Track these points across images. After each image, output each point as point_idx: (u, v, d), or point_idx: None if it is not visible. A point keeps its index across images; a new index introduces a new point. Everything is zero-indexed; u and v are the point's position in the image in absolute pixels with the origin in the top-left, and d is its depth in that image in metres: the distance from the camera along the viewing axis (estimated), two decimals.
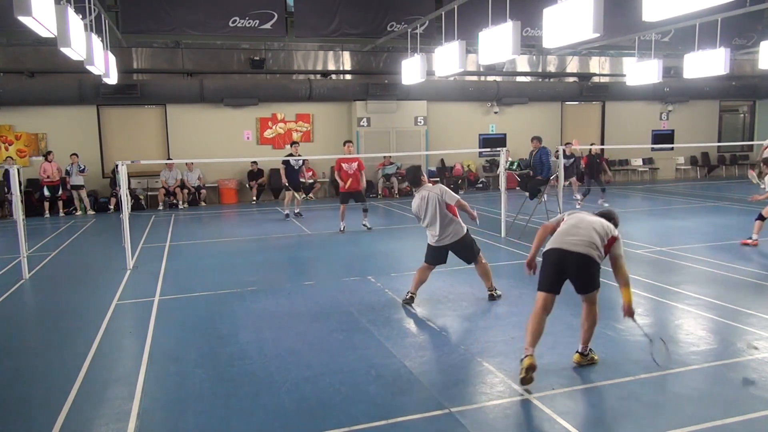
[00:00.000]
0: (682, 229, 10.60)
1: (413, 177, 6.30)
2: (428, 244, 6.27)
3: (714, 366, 4.45)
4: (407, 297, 6.25)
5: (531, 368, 4.08)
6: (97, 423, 3.83)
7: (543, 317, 4.36)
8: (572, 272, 4.39)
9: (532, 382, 4.10)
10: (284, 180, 12.59)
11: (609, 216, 4.67)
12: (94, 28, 9.87)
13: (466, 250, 6.21)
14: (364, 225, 11.15)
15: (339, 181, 11.18)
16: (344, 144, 11.42)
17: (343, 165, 11.06)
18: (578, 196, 14.53)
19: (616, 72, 19.91)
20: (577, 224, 4.49)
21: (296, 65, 17.32)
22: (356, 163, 11.09)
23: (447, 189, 6.13)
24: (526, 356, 4.14)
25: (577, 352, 4.54)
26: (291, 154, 12.32)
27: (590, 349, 4.56)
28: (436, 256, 6.23)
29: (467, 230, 6.20)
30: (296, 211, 13.03)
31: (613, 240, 4.41)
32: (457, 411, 3.82)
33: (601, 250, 4.35)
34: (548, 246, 4.52)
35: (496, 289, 6.38)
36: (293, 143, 12.88)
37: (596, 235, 4.37)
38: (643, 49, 15.99)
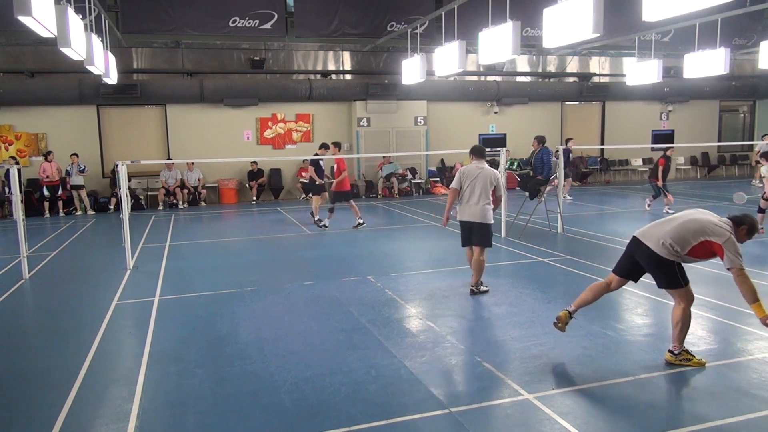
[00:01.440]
0: None
1: (481, 150, 6.74)
2: (461, 223, 6.59)
3: (714, 366, 4.45)
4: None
5: (561, 319, 4.75)
6: (97, 423, 3.83)
7: (599, 289, 4.71)
8: (645, 264, 4.48)
9: (562, 330, 4.82)
10: (318, 181, 11.90)
11: (735, 221, 4.25)
12: (94, 28, 9.87)
13: (486, 236, 6.49)
14: (324, 222, 11.34)
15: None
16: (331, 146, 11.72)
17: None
18: (569, 197, 14.55)
19: (616, 72, 19.91)
20: (675, 218, 4.43)
21: (296, 65, 17.32)
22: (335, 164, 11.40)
23: (501, 179, 6.67)
24: (563, 310, 4.80)
25: (668, 350, 4.52)
26: (317, 154, 11.92)
27: (685, 350, 4.46)
28: (467, 236, 6.56)
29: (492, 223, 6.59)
30: (317, 219, 11.81)
31: (710, 245, 4.16)
32: (457, 411, 3.82)
33: (679, 250, 4.24)
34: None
35: (480, 286, 6.56)
36: (323, 145, 12.04)
37: (681, 236, 4.24)
38: (643, 49, 16.00)
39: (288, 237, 10.80)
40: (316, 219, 11.80)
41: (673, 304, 4.50)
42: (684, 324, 4.42)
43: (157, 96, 15.83)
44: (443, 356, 4.79)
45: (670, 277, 4.39)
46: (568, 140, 15.28)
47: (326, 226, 11.23)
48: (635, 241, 4.54)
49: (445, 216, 6.70)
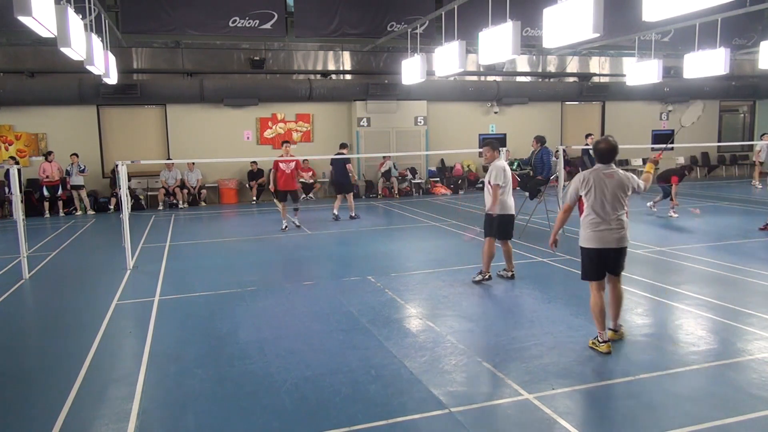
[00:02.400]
0: (682, 229, 10.60)
1: (498, 144, 6.96)
2: (496, 217, 6.83)
3: (714, 366, 4.45)
4: (487, 277, 6.97)
5: (609, 353, 4.68)
6: (97, 423, 3.83)
7: (601, 298, 4.82)
8: (611, 261, 4.80)
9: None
10: (356, 177, 12.93)
11: (610, 153, 4.79)
12: (94, 28, 9.87)
13: (508, 227, 6.98)
14: (294, 222, 11.57)
15: (272, 180, 11.62)
16: (282, 144, 11.63)
17: (280, 165, 11.34)
18: None
19: (616, 72, 19.90)
20: (603, 206, 4.71)
21: (296, 65, 17.32)
22: (293, 163, 11.45)
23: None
24: (603, 342, 4.73)
25: (609, 329, 4.94)
26: (341, 153, 12.44)
27: (620, 325, 5.02)
28: (492, 228, 6.92)
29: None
30: (352, 214, 12.73)
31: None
32: (457, 411, 3.82)
33: (627, 217, 4.84)
34: (589, 245, 4.76)
35: (513, 271, 7.14)
36: (344, 145, 12.79)
37: (623, 211, 4.74)
38: (643, 49, 15.99)
39: (288, 237, 10.80)
40: (353, 215, 12.65)
41: (610, 287, 4.93)
42: (622, 299, 4.99)
43: (157, 96, 15.82)
44: (443, 356, 4.79)
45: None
46: (587, 136, 14.60)
47: (298, 225, 11.52)
48: (603, 252, 4.72)
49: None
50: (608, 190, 4.66)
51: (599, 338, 4.78)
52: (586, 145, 14.39)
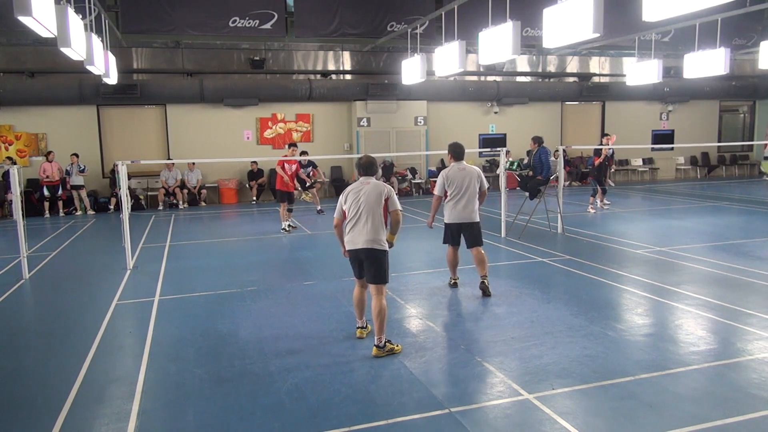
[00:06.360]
0: (682, 229, 10.60)
1: (462, 150, 6.56)
2: (446, 225, 6.66)
3: (714, 366, 4.45)
4: (452, 282, 6.89)
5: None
6: (97, 423, 3.83)
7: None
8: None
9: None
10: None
11: (371, 166, 5.14)
12: (94, 28, 9.86)
13: (478, 234, 6.57)
14: (291, 226, 11.37)
15: (286, 178, 11.18)
16: (289, 147, 11.51)
17: (285, 165, 11.28)
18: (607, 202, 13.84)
19: (616, 72, 19.91)
20: (358, 209, 5.22)
21: (296, 65, 17.32)
22: (294, 165, 11.44)
23: (483, 174, 6.64)
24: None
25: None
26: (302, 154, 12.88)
27: (388, 339, 4.98)
28: (455, 236, 6.63)
29: None
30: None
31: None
32: (457, 411, 3.82)
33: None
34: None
35: (487, 277, 6.57)
36: (293, 144, 13.16)
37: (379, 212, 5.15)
38: (643, 49, 16.00)
39: (288, 237, 10.80)
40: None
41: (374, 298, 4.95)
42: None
43: (157, 96, 15.83)
44: (443, 356, 4.80)
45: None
46: (605, 136, 13.15)
47: (286, 230, 11.34)
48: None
49: (431, 218, 6.87)
50: (364, 197, 4.96)
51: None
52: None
